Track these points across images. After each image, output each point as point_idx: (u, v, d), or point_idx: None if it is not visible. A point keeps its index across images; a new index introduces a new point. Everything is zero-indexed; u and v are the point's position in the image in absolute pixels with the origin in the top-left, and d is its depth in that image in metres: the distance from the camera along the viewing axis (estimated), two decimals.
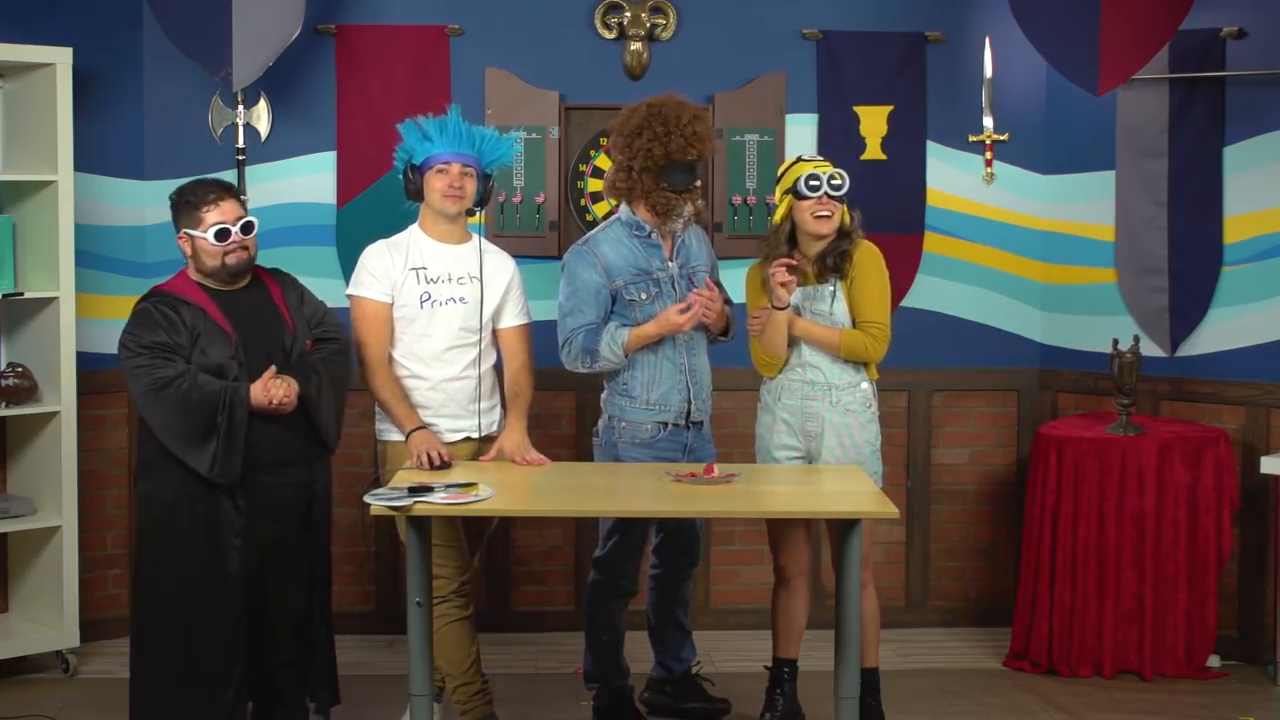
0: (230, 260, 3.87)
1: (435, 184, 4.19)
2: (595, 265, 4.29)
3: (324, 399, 3.93)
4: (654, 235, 4.33)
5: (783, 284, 4.10)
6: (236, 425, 3.74)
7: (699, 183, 4.30)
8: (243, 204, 3.96)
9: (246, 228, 3.88)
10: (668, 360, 4.32)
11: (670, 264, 4.35)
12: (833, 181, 4.19)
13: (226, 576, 3.81)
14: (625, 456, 4.35)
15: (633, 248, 4.33)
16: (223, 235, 3.84)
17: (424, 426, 4.12)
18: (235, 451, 3.75)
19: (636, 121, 4.27)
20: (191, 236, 3.87)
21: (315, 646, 4.05)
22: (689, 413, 4.34)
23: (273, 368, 3.84)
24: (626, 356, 4.28)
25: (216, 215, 3.86)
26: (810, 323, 4.22)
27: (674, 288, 4.32)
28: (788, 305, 4.17)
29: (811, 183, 4.19)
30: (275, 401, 3.79)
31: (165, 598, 3.83)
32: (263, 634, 3.96)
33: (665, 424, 4.33)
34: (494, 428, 4.32)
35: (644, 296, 4.29)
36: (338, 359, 4.02)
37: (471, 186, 4.22)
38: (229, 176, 5.21)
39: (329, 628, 4.11)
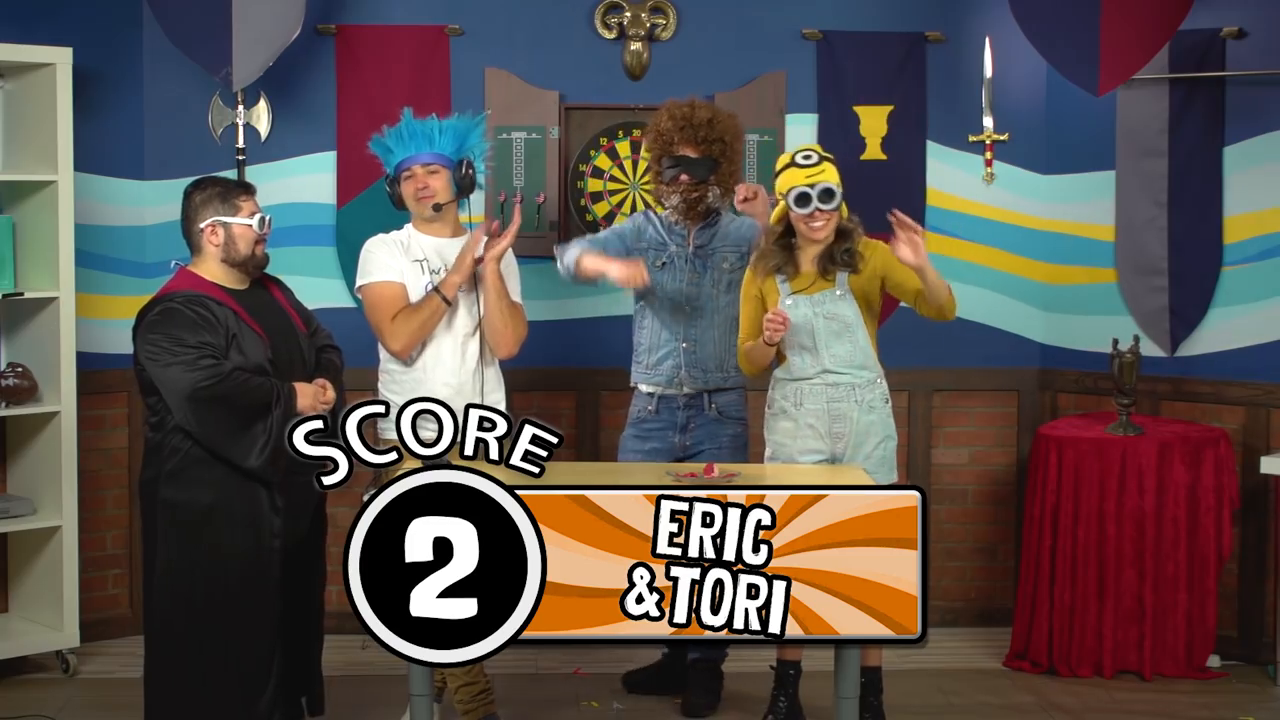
0: (258, 251, 3.87)
1: (407, 190, 4.27)
2: (634, 221, 4.67)
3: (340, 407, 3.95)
4: (678, 225, 4.54)
5: (780, 327, 4.07)
6: (288, 419, 3.69)
7: (684, 176, 4.46)
8: None
9: (269, 222, 3.91)
10: (667, 329, 4.53)
11: (689, 241, 4.53)
12: (822, 200, 4.11)
13: (268, 580, 3.78)
14: (622, 441, 4.61)
15: (658, 229, 4.59)
16: (262, 223, 3.85)
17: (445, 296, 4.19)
18: (283, 447, 3.68)
19: (653, 119, 4.56)
20: (227, 224, 3.82)
21: (314, 643, 4.04)
22: (683, 381, 4.51)
23: (324, 381, 3.88)
24: (573, 278, 4.44)
25: (253, 205, 3.87)
26: (936, 275, 4.09)
27: (686, 263, 4.52)
28: (775, 344, 4.16)
29: (801, 202, 4.12)
30: (327, 406, 3.81)
31: (199, 601, 3.75)
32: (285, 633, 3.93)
33: (654, 395, 4.55)
34: None
35: (656, 264, 4.53)
36: (340, 369, 4.03)
37: (439, 181, 4.25)
38: (229, 176, 5.21)
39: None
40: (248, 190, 3.91)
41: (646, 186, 5.21)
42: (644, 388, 4.59)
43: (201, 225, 3.83)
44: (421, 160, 4.24)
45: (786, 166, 4.17)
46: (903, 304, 5.33)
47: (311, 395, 3.81)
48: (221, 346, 3.72)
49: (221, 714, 3.76)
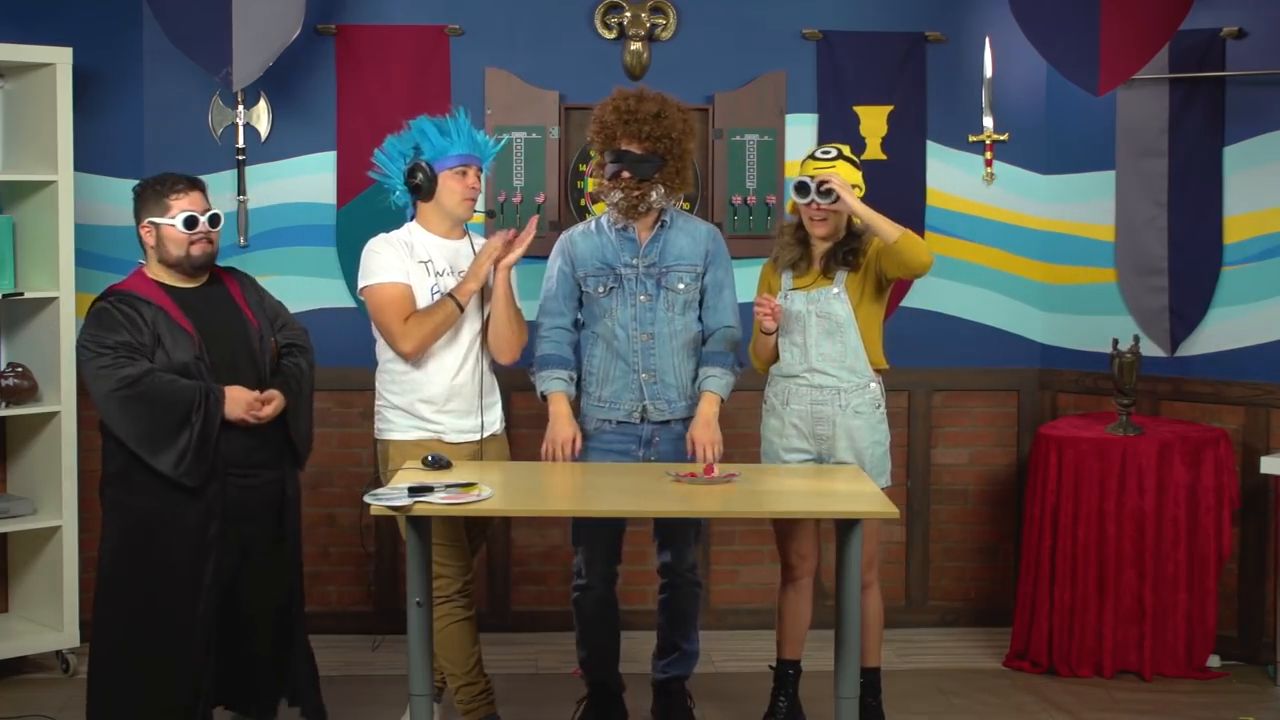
0: (195, 251, 3.86)
1: (455, 186, 4.19)
2: (565, 252, 4.39)
3: (301, 414, 3.94)
4: (629, 229, 4.34)
5: (769, 314, 4.09)
6: (210, 426, 3.72)
7: (626, 173, 4.24)
8: (207, 199, 3.94)
9: (214, 220, 3.88)
10: (621, 360, 4.31)
11: (638, 260, 4.33)
12: (820, 194, 4.10)
13: (200, 581, 3.79)
14: (585, 451, 4.35)
15: (605, 241, 4.36)
16: (191, 223, 3.84)
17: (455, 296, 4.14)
18: (206, 452, 3.73)
19: (597, 109, 4.35)
20: (157, 225, 3.86)
21: (293, 647, 4.00)
22: (645, 412, 4.30)
23: (272, 393, 3.85)
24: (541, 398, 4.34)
25: (185, 204, 3.87)
26: (872, 211, 4.05)
27: (637, 284, 4.30)
28: (772, 332, 4.17)
29: (800, 191, 4.15)
30: (261, 420, 3.79)
31: (136, 603, 3.81)
32: (239, 635, 3.94)
33: (611, 420, 4.32)
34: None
35: (600, 290, 4.32)
36: (309, 371, 4.01)
37: (479, 187, 4.26)
38: (229, 176, 5.23)
39: (305, 635, 4.08)
40: (187, 187, 3.88)
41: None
42: (598, 417, 4.37)
43: (140, 225, 3.89)
44: (476, 162, 4.22)
45: (806, 158, 4.26)
46: (902, 304, 5.37)
47: (244, 406, 3.79)
48: (147, 347, 3.75)
49: (153, 711, 3.78)
